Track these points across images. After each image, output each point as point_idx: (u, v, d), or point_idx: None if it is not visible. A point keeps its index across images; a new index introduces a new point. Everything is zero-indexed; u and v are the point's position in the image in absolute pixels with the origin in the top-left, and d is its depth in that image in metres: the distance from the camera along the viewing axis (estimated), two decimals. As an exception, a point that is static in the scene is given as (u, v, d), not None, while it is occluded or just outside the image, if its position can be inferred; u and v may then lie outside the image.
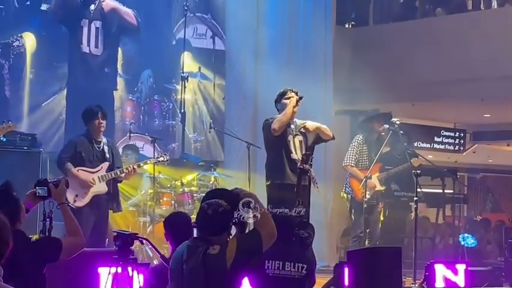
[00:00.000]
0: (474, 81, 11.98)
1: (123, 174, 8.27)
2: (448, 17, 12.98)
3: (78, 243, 4.62)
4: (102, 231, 8.16)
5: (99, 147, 8.25)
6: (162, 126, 11.16)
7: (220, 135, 11.31)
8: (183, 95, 11.07)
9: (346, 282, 6.86)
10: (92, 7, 10.49)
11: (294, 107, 7.87)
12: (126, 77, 10.96)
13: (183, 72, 10.98)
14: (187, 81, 11.01)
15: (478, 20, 12.29)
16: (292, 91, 8.01)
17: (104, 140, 8.33)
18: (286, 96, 7.97)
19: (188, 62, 11.28)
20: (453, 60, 12.01)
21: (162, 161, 8.77)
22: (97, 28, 10.51)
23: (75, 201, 7.93)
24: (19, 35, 9.96)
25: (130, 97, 11.00)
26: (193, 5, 11.55)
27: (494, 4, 13.03)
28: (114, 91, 10.76)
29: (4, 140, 8.20)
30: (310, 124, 8.03)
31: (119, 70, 10.88)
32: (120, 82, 10.90)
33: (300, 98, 7.92)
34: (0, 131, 7.90)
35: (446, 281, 7.85)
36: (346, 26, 14.12)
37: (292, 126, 7.95)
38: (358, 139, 9.93)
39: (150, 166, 9.41)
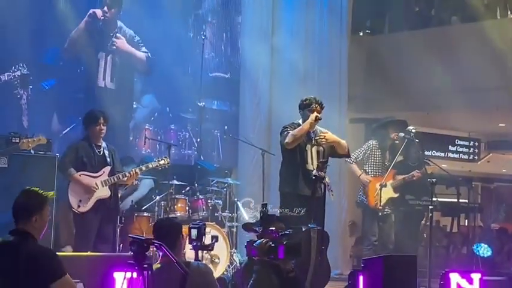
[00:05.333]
0: (489, 90, 11.94)
1: (125, 178, 8.27)
2: (464, 26, 12.96)
3: None
4: (108, 236, 8.14)
5: (99, 152, 8.21)
6: (178, 156, 11.04)
7: (234, 142, 11.28)
8: (199, 124, 11.07)
9: (361, 291, 6.83)
10: (108, 44, 10.46)
11: (311, 123, 7.77)
12: (143, 106, 10.96)
13: (199, 101, 11.00)
14: (203, 110, 11.01)
15: (494, 28, 12.25)
16: (317, 103, 7.89)
17: (104, 144, 8.29)
18: (309, 108, 7.85)
19: (205, 91, 11.28)
20: (468, 68, 11.98)
21: (163, 164, 8.62)
22: (113, 61, 10.48)
23: (79, 206, 7.93)
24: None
25: (147, 126, 11.00)
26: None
27: (510, 13, 13.01)
28: (129, 122, 10.78)
29: (33, 152, 8.25)
30: (330, 136, 7.92)
31: (135, 100, 10.92)
32: (137, 111, 10.91)
33: (319, 119, 7.79)
34: (31, 144, 7.96)
35: (461, 290, 7.79)
36: (361, 34, 14.12)
37: (312, 135, 7.88)
38: (371, 144, 9.93)
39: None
